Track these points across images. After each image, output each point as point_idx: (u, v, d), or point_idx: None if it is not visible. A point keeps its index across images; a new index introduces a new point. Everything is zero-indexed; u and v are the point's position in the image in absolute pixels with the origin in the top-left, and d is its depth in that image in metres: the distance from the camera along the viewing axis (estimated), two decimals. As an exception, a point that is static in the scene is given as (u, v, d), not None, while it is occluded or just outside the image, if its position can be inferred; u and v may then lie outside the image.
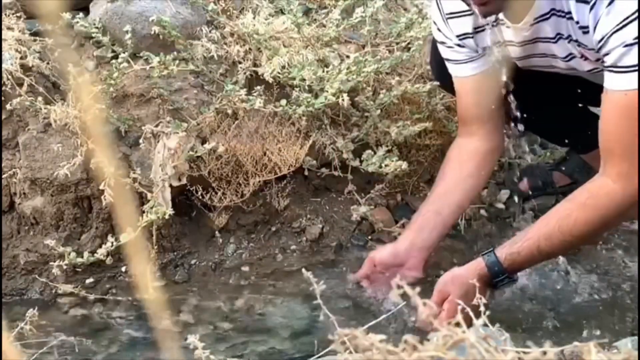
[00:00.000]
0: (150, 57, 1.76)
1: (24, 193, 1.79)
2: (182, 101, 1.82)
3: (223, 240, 1.91)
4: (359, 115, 1.96)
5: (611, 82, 1.34)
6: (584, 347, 0.68)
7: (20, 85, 1.72)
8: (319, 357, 1.14)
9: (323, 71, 1.88)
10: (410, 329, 1.49)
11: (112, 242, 1.72)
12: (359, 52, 2.00)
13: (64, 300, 1.75)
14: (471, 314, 0.80)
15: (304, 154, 1.88)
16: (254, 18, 1.96)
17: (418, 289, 0.68)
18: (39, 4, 0.53)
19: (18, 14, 1.84)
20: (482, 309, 0.89)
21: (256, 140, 1.85)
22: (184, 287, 1.81)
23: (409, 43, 2.03)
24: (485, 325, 0.74)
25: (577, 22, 1.35)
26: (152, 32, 1.79)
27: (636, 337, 1.13)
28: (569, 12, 1.35)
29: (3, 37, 1.74)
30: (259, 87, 1.83)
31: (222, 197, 1.85)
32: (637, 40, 1.26)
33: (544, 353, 0.67)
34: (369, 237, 1.94)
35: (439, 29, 1.61)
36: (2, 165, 1.76)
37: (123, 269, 1.81)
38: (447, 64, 1.66)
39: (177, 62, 1.77)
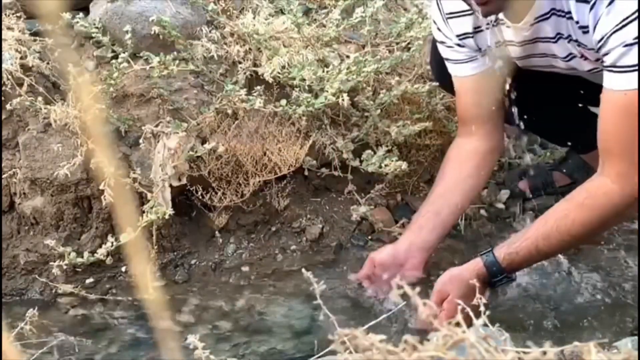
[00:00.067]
0: (150, 57, 1.76)
1: (24, 193, 1.79)
2: (182, 101, 1.82)
3: (223, 240, 1.91)
4: (359, 115, 1.96)
5: (610, 81, 1.34)
6: (584, 347, 0.68)
7: (20, 85, 1.72)
8: (319, 357, 1.14)
9: (323, 71, 1.88)
10: (410, 329, 1.49)
11: (112, 242, 1.72)
12: (359, 52, 2.00)
13: (64, 300, 1.75)
14: (471, 313, 0.80)
15: (304, 154, 1.88)
16: (254, 18, 1.96)
17: (418, 289, 0.68)
18: (39, 4, 0.53)
19: (18, 14, 1.84)
20: (482, 309, 0.89)
21: (256, 140, 1.85)
22: (184, 287, 1.81)
23: (409, 43, 2.03)
24: (485, 325, 0.74)
25: (577, 22, 1.35)
26: (152, 32, 1.80)
27: (636, 337, 1.13)
28: (569, 12, 1.35)
29: (3, 37, 1.74)
30: (259, 87, 1.83)
31: (222, 197, 1.85)
32: (637, 40, 1.26)
33: (544, 353, 0.67)
34: (369, 237, 1.94)
35: (439, 29, 1.61)
36: (2, 165, 1.76)
37: (123, 269, 1.81)
38: (447, 64, 1.65)
39: (177, 62, 1.77)
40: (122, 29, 1.78)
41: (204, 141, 1.82)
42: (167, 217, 1.72)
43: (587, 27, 1.33)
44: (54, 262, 1.71)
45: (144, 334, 1.62)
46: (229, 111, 1.84)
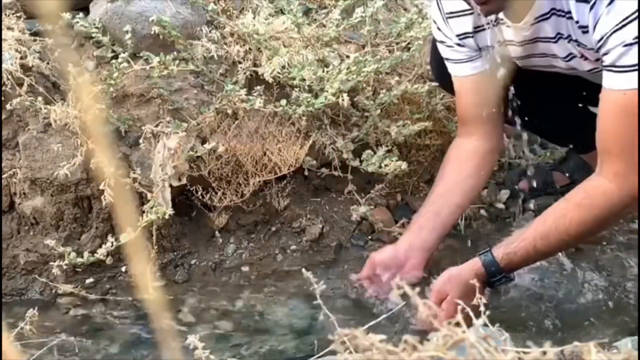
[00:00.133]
0: (150, 57, 1.76)
1: (24, 193, 1.79)
2: (182, 101, 1.82)
3: (223, 240, 1.91)
4: (359, 115, 1.96)
5: (610, 81, 1.34)
6: (584, 347, 0.68)
7: (20, 85, 1.72)
8: (319, 357, 1.14)
9: (323, 71, 1.88)
10: (410, 329, 1.49)
11: (112, 242, 1.72)
12: (359, 52, 2.00)
13: (64, 300, 1.75)
14: (471, 313, 0.80)
15: (304, 154, 1.88)
16: (254, 18, 1.96)
17: (418, 289, 0.68)
18: (39, 4, 0.53)
19: (18, 14, 1.84)
20: (482, 309, 0.89)
21: (256, 140, 1.85)
22: (184, 287, 1.81)
23: (409, 43, 2.03)
24: (485, 325, 0.74)
25: (577, 22, 1.35)
26: (152, 32, 1.79)
27: (636, 337, 1.13)
28: (569, 12, 1.35)
29: (3, 37, 1.74)
30: (259, 87, 1.83)
31: (222, 197, 1.85)
32: (636, 40, 1.26)
33: (544, 353, 0.67)
34: (369, 237, 1.94)
35: (439, 28, 1.61)
36: (2, 165, 1.76)
37: (123, 269, 1.81)
38: (447, 64, 1.65)
39: (177, 62, 1.77)
40: (122, 29, 1.78)
41: (204, 141, 1.82)
42: (167, 217, 1.72)
43: (587, 27, 1.33)
44: (54, 262, 1.71)
45: (144, 334, 1.62)
46: (229, 111, 1.84)
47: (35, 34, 1.82)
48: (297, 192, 1.99)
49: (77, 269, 1.78)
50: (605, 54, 1.31)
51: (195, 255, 1.88)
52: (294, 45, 1.94)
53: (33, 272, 1.78)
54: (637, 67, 1.27)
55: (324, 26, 2.01)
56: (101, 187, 1.65)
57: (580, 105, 1.78)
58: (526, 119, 1.69)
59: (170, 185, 1.77)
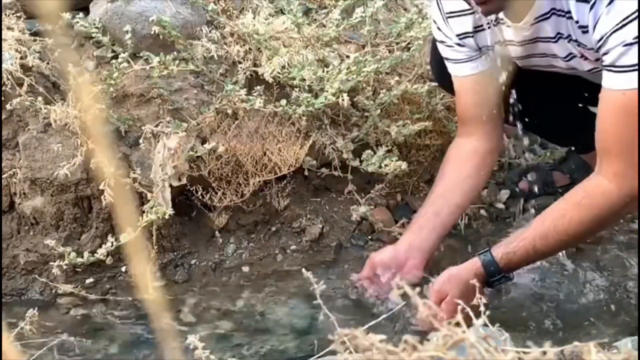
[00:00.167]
0: (150, 57, 1.76)
1: (24, 193, 1.79)
2: (182, 101, 1.82)
3: (223, 240, 1.91)
4: (359, 115, 1.96)
5: (610, 81, 1.34)
6: (584, 347, 0.68)
7: (20, 85, 1.72)
8: (319, 357, 1.14)
9: (323, 71, 1.88)
10: (410, 329, 1.49)
11: (112, 242, 1.72)
12: (359, 52, 2.00)
13: (64, 300, 1.75)
14: (471, 313, 0.80)
15: (304, 154, 1.88)
16: (254, 18, 1.96)
17: (418, 289, 0.68)
18: (39, 4, 0.53)
19: (18, 14, 1.84)
20: (482, 309, 0.89)
21: (256, 140, 1.85)
22: (184, 287, 1.81)
23: (409, 43, 2.03)
24: (485, 325, 0.74)
25: (577, 22, 1.35)
26: (152, 32, 1.79)
27: (636, 337, 1.13)
28: (569, 12, 1.35)
29: (3, 37, 1.74)
30: (259, 87, 1.83)
31: (222, 197, 1.85)
32: (636, 40, 1.26)
33: (544, 353, 0.67)
34: (369, 237, 1.94)
35: (439, 28, 1.61)
36: (2, 165, 1.76)
37: (123, 269, 1.81)
38: (447, 63, 1.65)
39: (177, 62, 1.77)
40: (122, 29, 1.78)
41: (204, 141, 1.82)
42: (167, 217, 1.72)
43: (586, 26, 1.33)
44: (54, 262, 1.71)
45: (145, 334, 1.62)
46: (229, 111, 1.84)
47: (35, 34, 1.82)
48: (297, 192, 1.99)
49: (77, 269, 1.78)
50: (605, 53, 1.31)
51: (195, 255, 1.88)
52: (294, 45, 1.94)
53: (33, 272, 1.78)
54: (636, 67, 1.27)
55: (324, 26, 2.01)
56: (101, 187, 1.65)
57: (580, 105, 1.78)
58: (526, 119, 1.69)
59: (170, 185, 1.77)
